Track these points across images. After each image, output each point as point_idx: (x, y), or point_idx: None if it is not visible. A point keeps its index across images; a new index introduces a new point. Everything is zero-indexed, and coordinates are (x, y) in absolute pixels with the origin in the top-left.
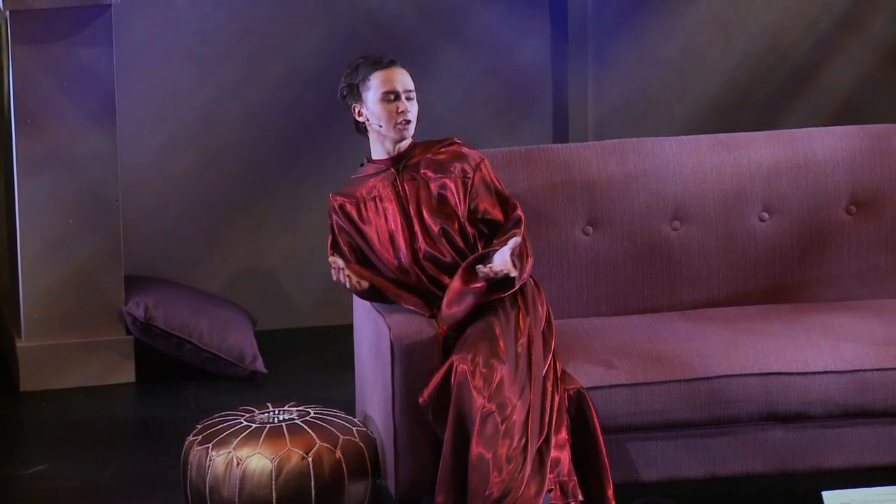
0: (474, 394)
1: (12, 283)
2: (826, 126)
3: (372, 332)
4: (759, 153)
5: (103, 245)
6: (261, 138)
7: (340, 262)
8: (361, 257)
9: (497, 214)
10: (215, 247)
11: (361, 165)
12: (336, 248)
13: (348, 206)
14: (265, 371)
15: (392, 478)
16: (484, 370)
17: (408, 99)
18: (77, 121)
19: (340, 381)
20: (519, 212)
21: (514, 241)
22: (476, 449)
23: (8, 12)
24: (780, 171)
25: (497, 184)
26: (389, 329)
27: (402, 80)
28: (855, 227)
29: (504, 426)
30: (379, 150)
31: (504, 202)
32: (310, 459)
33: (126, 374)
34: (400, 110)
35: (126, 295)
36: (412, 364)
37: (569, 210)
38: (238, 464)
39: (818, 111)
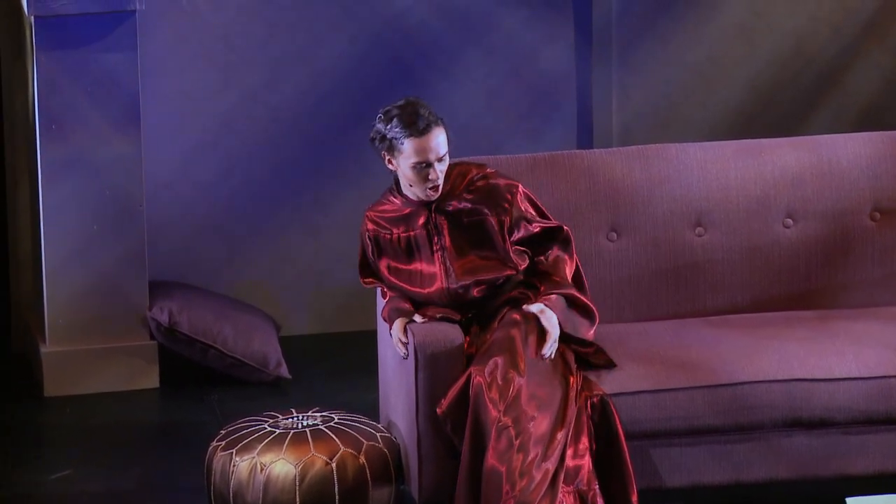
0: (489, 406)
1: (37, 288)
2: (850, 132)
3: None
4: (783, 159)
5: (127, 250)
6: (284, 143)
7: (405, 338)
8: (387, 281)
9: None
10: (239, 252)
11: (392, 190)
12: (365, 268)
13: (381, 237)
14: (289, 376)
15: (415, 483)
16: (500, 383)
17: (439, 161)
18: (101, 126)
19: (364, 386)
20: (565, 229)
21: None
22: (490, 461)
23: (33, 18)
24: (804, 178)
25: (532, 211)
26: (413, 335)
27: (436, 147)
28: (879, 234)
29: (519, 440)
30: (409, 191)
31: (546, 227)
32: (333, 465)
33: (150, 379)
34: (430, 178)
35: (150, 300)
36: (436, 371)
37: (593, 216)
38: (262, 469)
39: (842, 117)
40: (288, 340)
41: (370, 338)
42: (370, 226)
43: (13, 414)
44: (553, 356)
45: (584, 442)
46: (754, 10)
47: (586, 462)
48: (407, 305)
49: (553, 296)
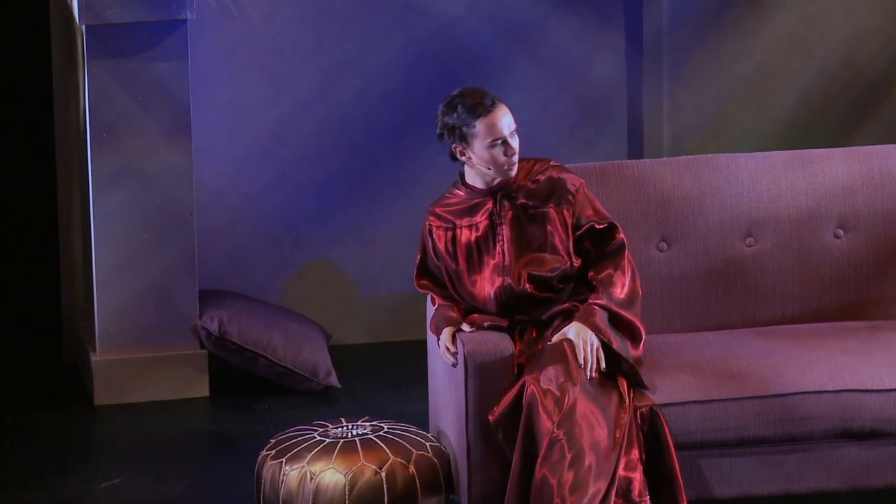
0: (543, 416)
1: (87, 297)
2: None
3: None
4: (834, 170)
5: (178, 259)
6: (334, 153)
7: (453, 347)
8: (446, 280)
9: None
10: (289, 261)
11: (456, 184)
12: (423, 269)
13: (442, 232)
14: (339, 386)
15: (465, 493)
16: (557, 393)
17: (512, 136)
18: (152, 135)
19: (414, 396)
20: (620, 236)
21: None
22: (540, 471)
23: (84, 27)
24: (855, 188)
25: (592, 210)
26: (463, 345)
27: (507, 121)
28: None
29: (571, 454)
30: (477, 180)
31: (604, 227)
32: (383, 474)
33: (200, 388)
34: (508, 153)
35: (200, 309)
36: (486, 380)
37: (643, 226)
38: (311, 478)
39: (894, 128)
40: (338, 350)
41: (420, 347)
42: (433, 221)
43: (64, 423)
44: (597, 370)
45: (635, 454)
46: (805, 21)
47: (638, 474)
48: (454, 314)
49: (594, 308)
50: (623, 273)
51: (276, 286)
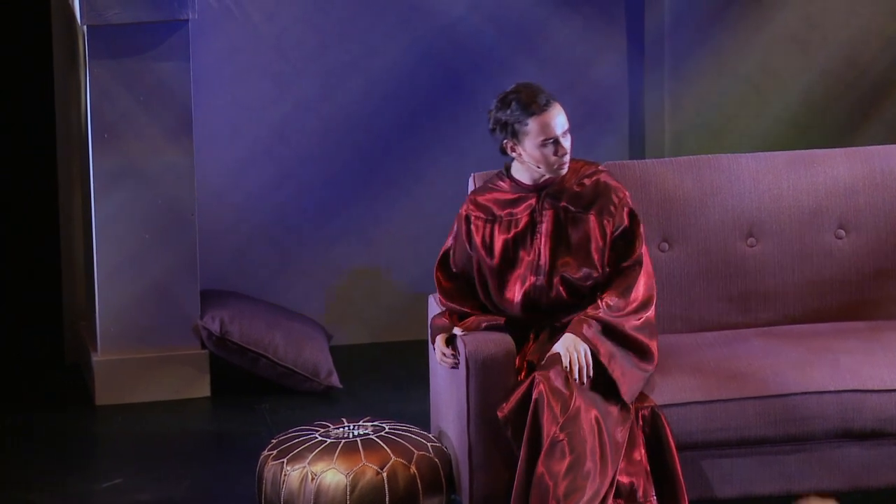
0: (548, 417)
1: (89, 297)
2: None
3: None
4: (836, 170)
5: (179, 259)
6: (337, 153)
7: (447, 351)
8: (469, 271)
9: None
10: (291, 261)
11: (500, 175)
12: (445, 260)
13: (481, 223)
14: (340, 386)
15: (466, 493)
16: (565, 392)
17: (564, 136)
18: (154, 135)
19: (415, 396)
20: (639, 251)
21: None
22: (540, 468)
23: (85, 27)
24: (857, 189)
25: (628, 225)
26: (465, 345)
27: (560, 121)
28: None
29: (572, 457)
30: (524, 175)
31: (632, 232)
32: (384, 474)
33: (201, 388)
34: (560, 154)
35: (202, 309)
36: (487, 380)
37: (645, 226)
38: (313, 478)
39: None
40: (339, 350)
41: (421, 347)
42: (472, 209)
43: (65, 423)
44: (582, 377)
45: (639, 455)
46: (807, 22)
47: (643, 475)
48: (445, 321)
49: (584, 319)
50: (631, 289)
51: (278, 286)
